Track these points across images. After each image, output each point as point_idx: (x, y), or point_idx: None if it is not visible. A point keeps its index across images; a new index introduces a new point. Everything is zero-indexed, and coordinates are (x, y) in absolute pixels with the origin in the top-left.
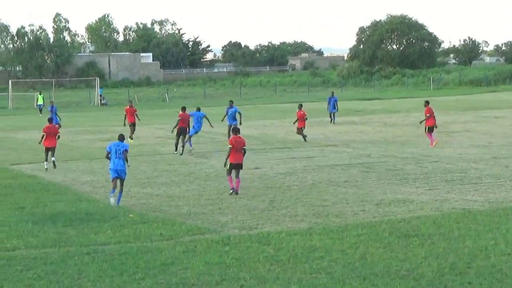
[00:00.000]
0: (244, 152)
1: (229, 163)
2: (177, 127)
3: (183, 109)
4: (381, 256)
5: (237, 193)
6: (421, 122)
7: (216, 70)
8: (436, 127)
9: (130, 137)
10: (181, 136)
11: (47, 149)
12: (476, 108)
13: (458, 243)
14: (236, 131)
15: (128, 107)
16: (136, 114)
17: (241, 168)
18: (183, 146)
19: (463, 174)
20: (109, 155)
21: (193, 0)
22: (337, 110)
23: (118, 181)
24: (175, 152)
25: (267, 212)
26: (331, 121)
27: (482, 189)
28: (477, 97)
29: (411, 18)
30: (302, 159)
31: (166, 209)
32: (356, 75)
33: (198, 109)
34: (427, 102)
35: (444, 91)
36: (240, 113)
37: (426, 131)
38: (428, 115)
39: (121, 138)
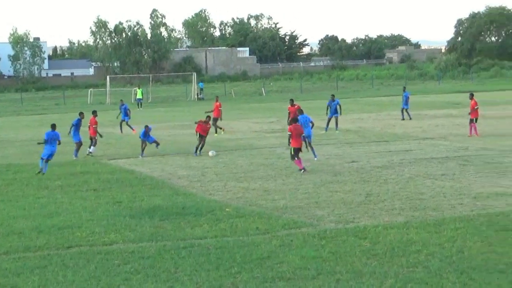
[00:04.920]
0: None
1: (292, 148)
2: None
3: (292, 102)
4: (479, 250)
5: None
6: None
7: (312, 64)
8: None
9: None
10: None
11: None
12: None
13: None
14: (295, 120)
15: (217, 101)
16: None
17: (301, 151)
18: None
19: None
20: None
21: None
22: (408, 107)
23: None
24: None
25: (363, 206)
26: (402, 118)
27: None
28: None
29: (510, 10)
30: (399, 152)
31: (262, 203)
32: (454, 68)
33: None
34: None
35: None
36: (340, 105)
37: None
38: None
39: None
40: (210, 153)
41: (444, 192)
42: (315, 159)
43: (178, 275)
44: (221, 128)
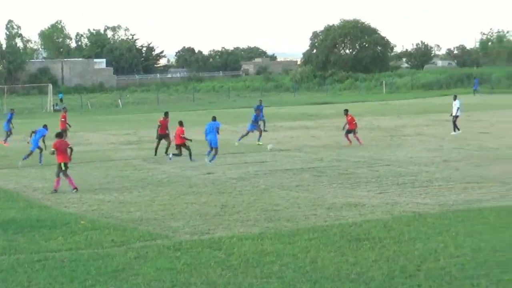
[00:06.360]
0: (71, 150)
1: (59, 163)
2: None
3: (166, 114)
4: (332, 260)
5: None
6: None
7: (169, 75)
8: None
9: None
10: (162, 140)
11: None
12: (427, 112)
13: (408, 246)
14: (59, 135)
15: (63, 113)
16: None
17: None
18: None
19: (414, 177)
20: None
21: (146, 6)
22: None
23: None
24: (155, 156)
25: (218, 217)
26: (264, 129)
27: (433, 192)
28: (429, 100)
29: (363, 23)
30: (255, 164)
31: (118, 215)
32: (309, 80)
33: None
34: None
35: (397, 95)
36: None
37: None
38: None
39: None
40: (269, 146)
41: (298, 203)
42: (210, 163)
43: None
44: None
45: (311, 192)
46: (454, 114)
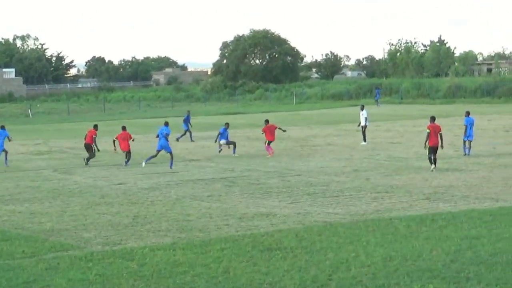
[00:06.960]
0: None
1: None
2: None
3: (95, 127)
4: (244, 270)
5: None
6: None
7: (80, 85)
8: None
9: None
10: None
11: None
12: (337, 122)
13: (319, 255)
14: None
15: None
16: None
17: None
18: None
19: (325, 187)
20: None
21: (55, 15)
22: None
23: None
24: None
25: (130, 228)
26: (190, 139)
27: (344, 201)
28: (338, 110)
29: (273, 33)
30: (166, 174)
31: (29, 226)
32: (219, 90)
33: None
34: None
35: (307, 105)
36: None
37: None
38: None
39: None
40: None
41: (210, 213)
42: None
43: None
44: None
45: (223, 202)
46: (362, 124)
